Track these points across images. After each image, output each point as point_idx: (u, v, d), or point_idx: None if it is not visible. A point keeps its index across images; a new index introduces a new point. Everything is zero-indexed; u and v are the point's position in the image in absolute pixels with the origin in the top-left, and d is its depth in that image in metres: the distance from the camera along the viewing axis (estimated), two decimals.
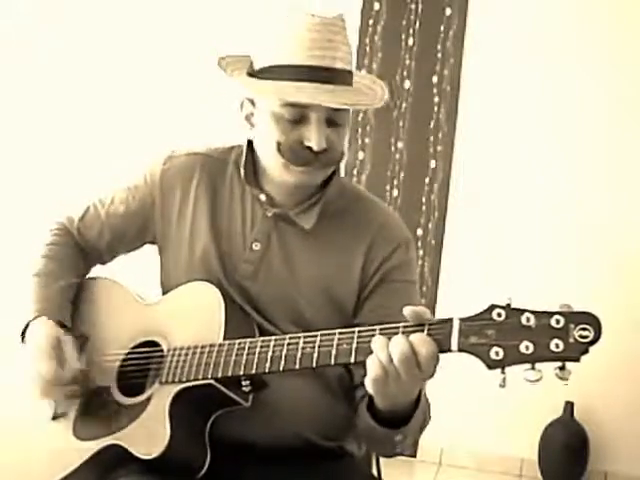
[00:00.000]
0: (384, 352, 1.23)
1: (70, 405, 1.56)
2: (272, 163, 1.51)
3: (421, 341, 1.22)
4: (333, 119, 1.46)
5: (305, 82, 1.43)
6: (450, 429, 3.52)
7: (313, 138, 1.44)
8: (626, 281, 3.52)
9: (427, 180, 3.71)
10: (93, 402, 1.54)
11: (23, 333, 1.56)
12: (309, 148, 1.45)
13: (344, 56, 1.47)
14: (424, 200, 3.71)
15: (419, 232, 3.69)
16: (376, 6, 3.73)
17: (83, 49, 3.88)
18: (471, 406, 3.59)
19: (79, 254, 1.72)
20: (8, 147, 3.93)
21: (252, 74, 1.51)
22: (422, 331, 1.23)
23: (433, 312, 3.53)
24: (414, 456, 3.66)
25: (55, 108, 3.89)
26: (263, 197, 1.56)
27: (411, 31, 3.71)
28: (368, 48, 3.73)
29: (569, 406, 3.48)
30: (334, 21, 1.46)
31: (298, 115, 1.45)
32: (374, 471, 1.75)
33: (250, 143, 1.58)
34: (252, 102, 1.53)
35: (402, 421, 1.35)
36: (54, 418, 1.58)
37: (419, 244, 3.67)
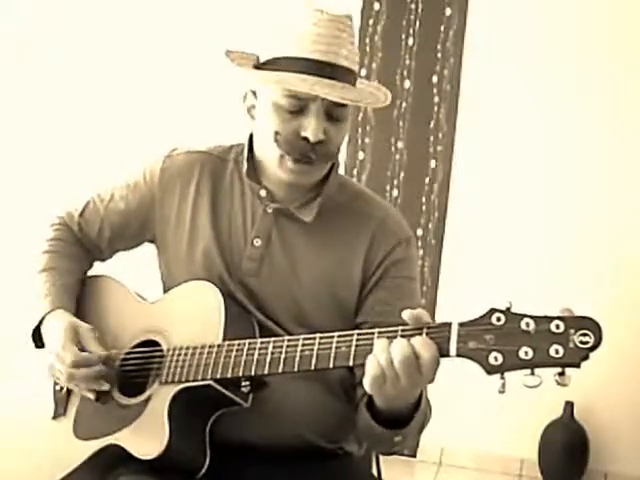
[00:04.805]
0: (384, 354, 1.22)
1: (77, 399, 1.56)
2: (269, 156, 1.51)
3: (423, 344, 1.20)
4: (332, 114, 1.47)
5: (308, 75, 1.43)
6: (450, 429, 3.51)
7: (310, 128, 1.44)
8: (626, 281, 3.52)
9: (427, 180, 3.71)
10: (93, 402, 1.54)
11: (37, 329, 1.56)
12: (306, 139, 1.45)
13: (348, 54, 1.47)
14: (424, 200, 3.71)
15: (419, 232, 3.68)
16: (376, 6, 3.73)
17: (82, 46, 3.88)
18: (471, 406, 3.58)
19: (81, 250, 1.72)
20: (8, 146, 3.93)
21: (257, 67, 1.52)
22: (421, 334, 1.22)
23: (433, 312, 3.52)
24: (414, 456, 3.66)
25: (55, 106, 3.88)
26: (263, 193, 1.56)
27: (411, 31, 3.70)
28: (368, 48, 3.72)
29: (569, 406, 3.47)
30: (341, 19, 1.47)
31: (298, 106, 1.45)
32: (374, 471, 1.75)
33: (251, 139, 1.59)
34: (254, 94, 1.54)
35: (402, 422, 1.35)
36: (54, 418, 1.58)
37: (419, 244, 3.67)
